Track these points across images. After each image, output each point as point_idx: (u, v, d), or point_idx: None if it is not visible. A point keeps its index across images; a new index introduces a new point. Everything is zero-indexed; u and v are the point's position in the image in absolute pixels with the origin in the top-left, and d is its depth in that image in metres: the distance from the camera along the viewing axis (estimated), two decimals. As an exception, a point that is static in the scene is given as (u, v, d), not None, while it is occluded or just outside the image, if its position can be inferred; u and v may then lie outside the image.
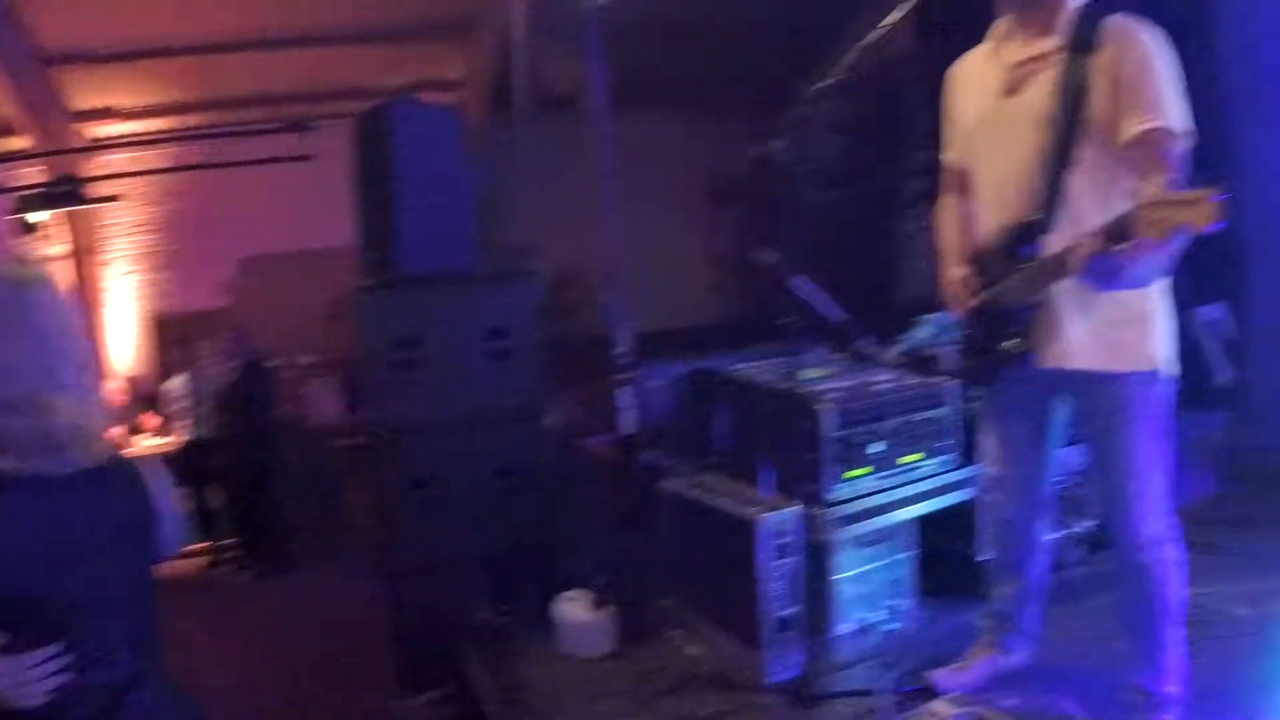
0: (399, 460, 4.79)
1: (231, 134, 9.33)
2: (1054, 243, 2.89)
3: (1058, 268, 2.81)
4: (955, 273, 3.25)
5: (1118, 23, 2.92)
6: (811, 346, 4.45)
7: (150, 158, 9.67)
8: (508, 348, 4.98)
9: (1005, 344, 3.01)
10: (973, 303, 3.17)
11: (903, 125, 5.94)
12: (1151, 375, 3.02)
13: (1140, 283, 2.85)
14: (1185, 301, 6.49)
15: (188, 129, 9.70)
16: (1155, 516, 3.08)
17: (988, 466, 3.48)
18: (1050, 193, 2.94)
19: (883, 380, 4.20)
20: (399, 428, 4.76)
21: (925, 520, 4.28)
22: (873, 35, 3.10)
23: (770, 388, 4.01)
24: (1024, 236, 2.97)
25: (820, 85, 3.18)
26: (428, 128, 5.10)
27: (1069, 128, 2.91)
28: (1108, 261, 2.57)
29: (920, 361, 4.05)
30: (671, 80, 8.11)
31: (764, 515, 3.71)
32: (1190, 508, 5.52)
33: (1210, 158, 5.80)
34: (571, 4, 4.91)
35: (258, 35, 8.74)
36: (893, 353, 3.68)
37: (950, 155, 3.42)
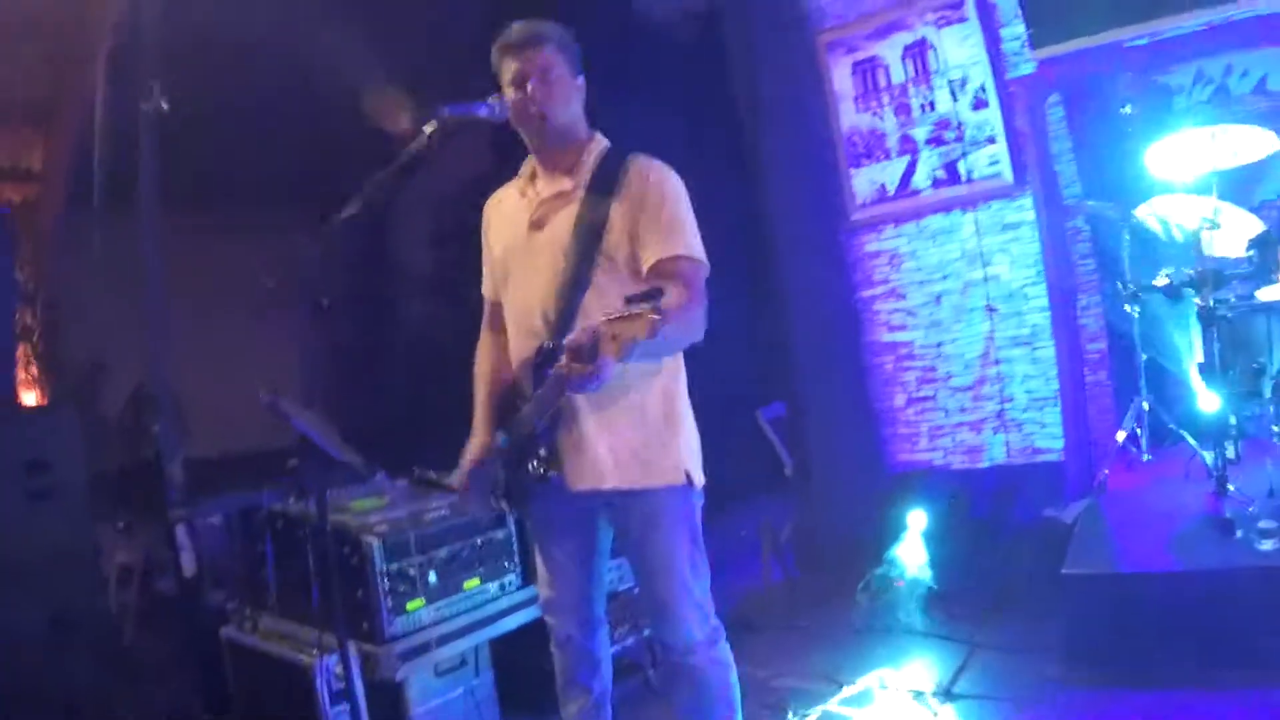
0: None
1: None
2: None
3: (553, 387, 2.79)
4: (475, 439, 3.16)
5: (638, 161, 3.00)
6: (372, 474, 4.21)
7: None
8: (51, 484, 4.35)
9: (531, 468, 2.92)
10: (500, 434, 3.05)
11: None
12: (680, 487, 3.01)
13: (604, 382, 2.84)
14: (750, 402, 6.88)
15: None
16: (700, 621, 3.06)
17: (540, 589, 3.34)
18: (567, 318, 2.92)
19: (437, 506, 4.01)
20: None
21: (499, 641, 4.11)
22: (403, 155, 2.93)
23: (317, 523, 3.71)
24: (543, 362, 2.91)
25: (347, 212, 2.97)
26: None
27: (585, 256, 2.93)
28: (584, 378, 2.55)
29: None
30: (276, 184, 7.71)
31: (319, 660, 3.41)
32: (764, 591, 5.76)
33: (764, 281, 6.29)
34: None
35: None
36: (455, 476, 3.48)
37: (487, 288, 3.34)
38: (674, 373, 3.06)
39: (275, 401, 2.90)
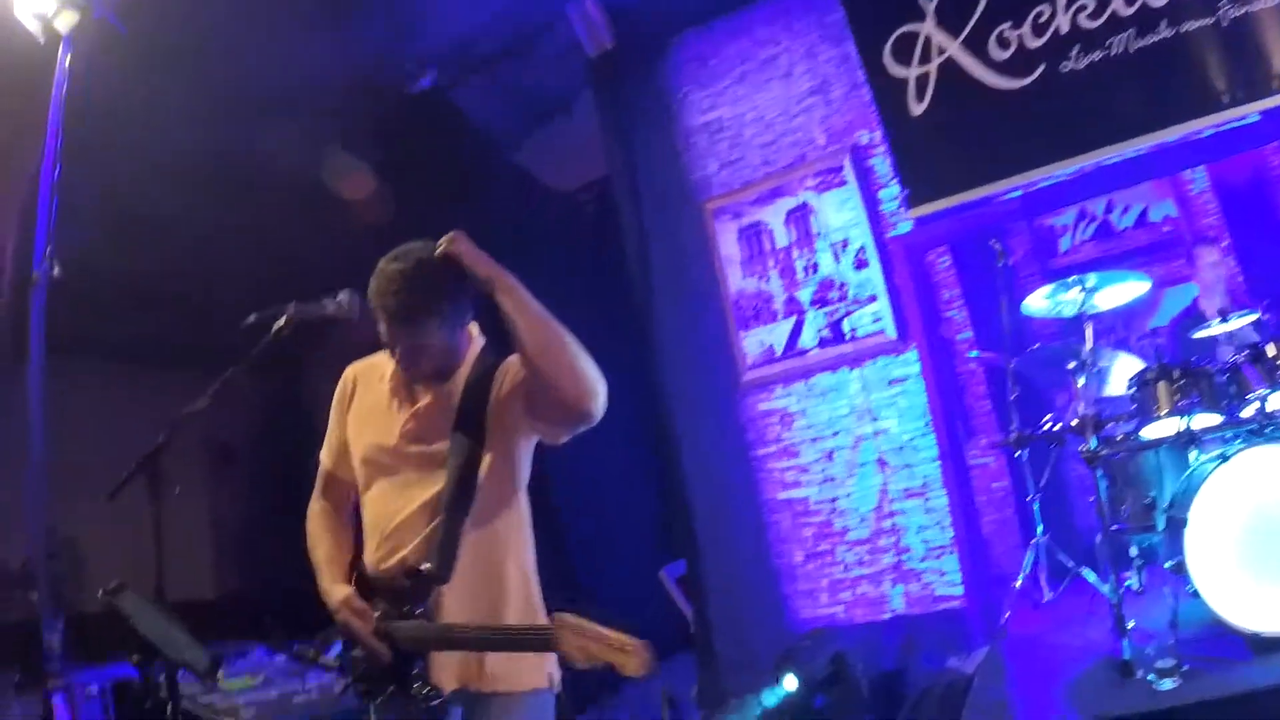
0: None
1: None
2: (449, 599, 2.67)
3: (453, 643, 2.62)
4: (339, 591, 2.76)
5: (509, 363, 2.79)
6: (213, 677, 3.80)
7: None
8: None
9: (416, 689, 2.60)
10: (367, 630, 2.68)
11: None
12: (545, 691, 2.78)
13: None
14: (655, 561, 6.62)
15: None
16: None
17: None
18: (446, 543, 2.67)
19: (311, 688, 3.61)
20: None
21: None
22: (254, 352, 2.72)
23: (183, 703, 3.31)
24: (419, 583, 2.66)
25: (196, 406, 2.71)
26: None
27: (465, 482, 2.70)
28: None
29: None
30: (172, 337, 7.42)
31: None
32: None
33: (661, 442, 6.10)
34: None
35: None
36: (332, 655, 3.10)
37: (329, 459, 2.99)
38: (532, 574, 2.84)
39: (113, 600, 2.54)
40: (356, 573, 2.80)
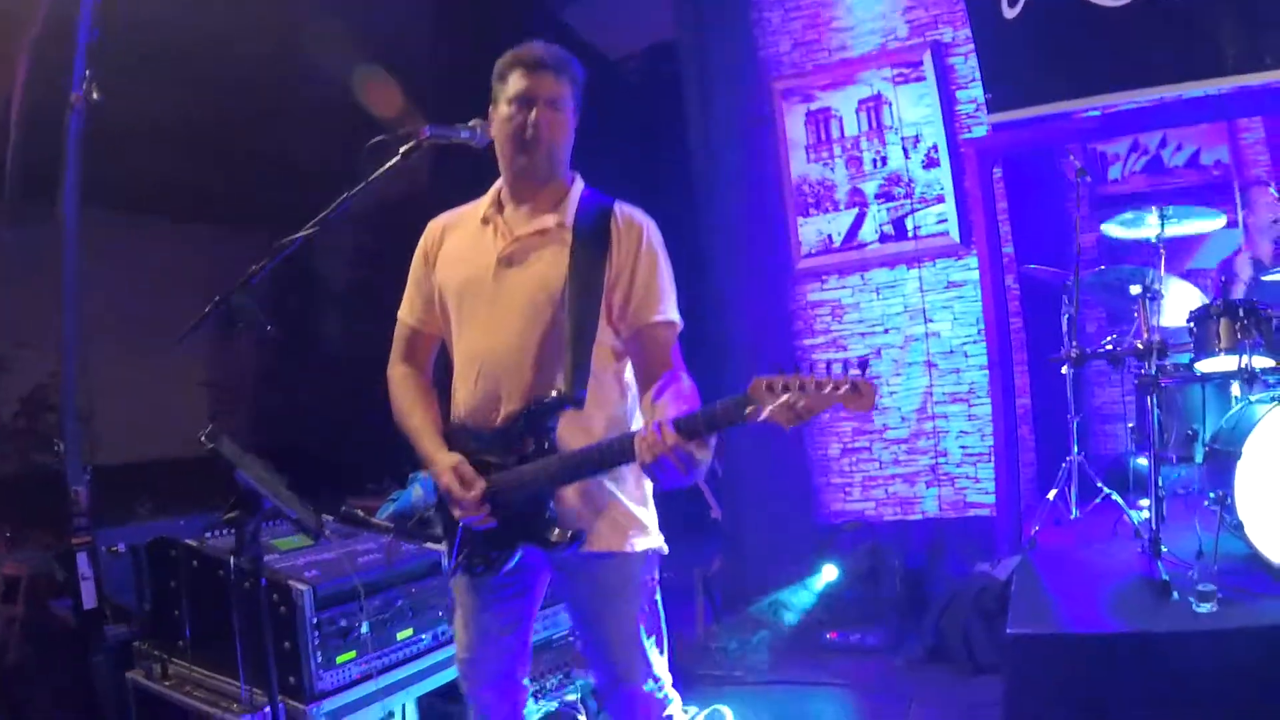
0: None
1: None
2: (590, 419, 2.58)
3: (611, 456, 2.44)
4: (448, 458, 2.62)
5: (625, 211, 2.69)
6: (322, 533, 3.70)
7: None
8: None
9: (557, 536, 2.50)
10: (478, 493, 2.55)
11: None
12: (655, 553, 2.71)
13: (695, 478, 2.51)
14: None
15: None
16: (658, 687, 2.71)
17: (459, 651, 2.83)
18: (578, 369, 2.55)
19: (369, 549, 3.55)
20: None
21: (431, 695, 3.65)
22: (376, 175, 2.60)
23: (249, 578, 3.23)
24: (541, 412, 2.54)
25: (306, 230, 2.59)
26: None
27: (589, 306, 2.59)
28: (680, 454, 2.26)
29: (416, 525, 3.39)
30: (199, 194, 7.19)
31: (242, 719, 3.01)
32: (695, 640, 5.43)
33: (705, 321, 6.02)
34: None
35: None
36: (383, 516, 3.00)
37: (412, 314, 2.87)
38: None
39: (216, 445, 2.42)
40: (458, 427, 2.72)
